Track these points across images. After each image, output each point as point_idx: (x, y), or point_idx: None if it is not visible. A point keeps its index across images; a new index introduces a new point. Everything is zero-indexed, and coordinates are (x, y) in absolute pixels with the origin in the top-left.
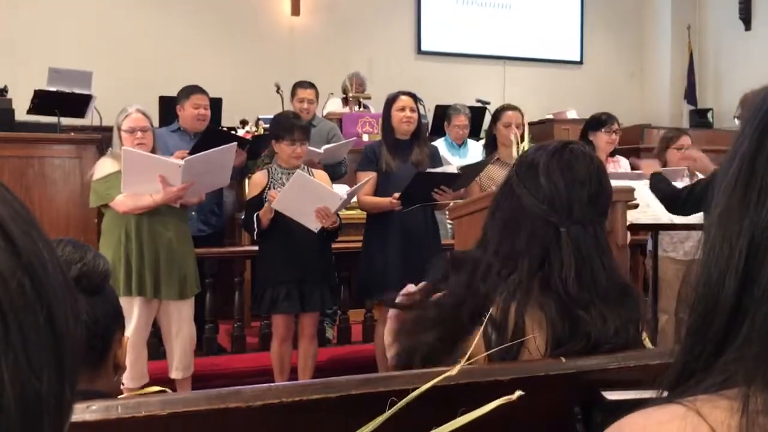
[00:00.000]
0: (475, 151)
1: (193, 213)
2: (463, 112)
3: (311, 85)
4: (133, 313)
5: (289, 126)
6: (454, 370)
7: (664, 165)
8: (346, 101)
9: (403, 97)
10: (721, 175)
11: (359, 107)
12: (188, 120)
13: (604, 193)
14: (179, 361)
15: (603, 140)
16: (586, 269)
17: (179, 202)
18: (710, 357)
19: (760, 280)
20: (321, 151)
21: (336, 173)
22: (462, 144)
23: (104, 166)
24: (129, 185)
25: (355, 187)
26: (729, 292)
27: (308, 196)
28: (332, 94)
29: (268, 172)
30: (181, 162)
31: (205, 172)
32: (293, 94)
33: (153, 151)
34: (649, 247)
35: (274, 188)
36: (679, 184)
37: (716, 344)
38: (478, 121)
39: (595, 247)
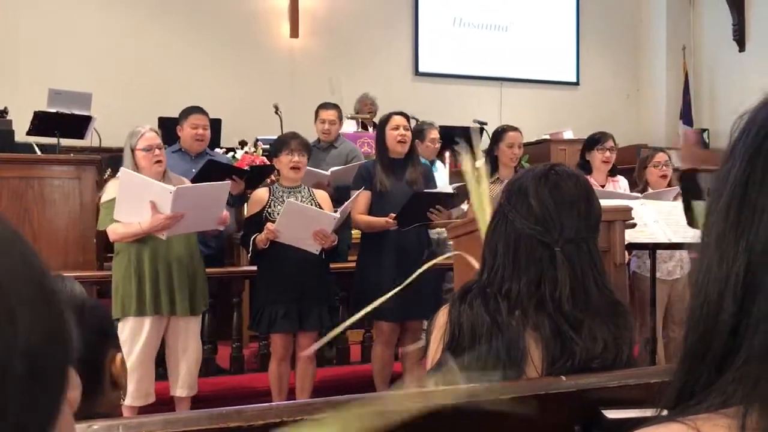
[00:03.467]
0: (442, 169)
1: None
2: (435, 127)
3: (334, 107)
4: (143, 331)
5: (285, 139)
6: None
7: (645, 185)
8: (360, 123)
9: (396, 117)
10: (713, 198)
11: (373, 128)
12: (187, 140)
13: (593, 210)
14: (184, 380)
15: (598, 159)
16: (579, 287)
17: (165, 234)
18: (709, 377)
19: (758, 301)
20: (328, 173)
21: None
22: (432, 162)
23: (110, 189)
24: (120, 211)
25: (346, 203)
26: (727, 314)
27: (303, 222)
28: (348, 116)
29: (270, 189)
30: (173, 188)
31: (197, 207)
32: (316, 115)
33: (165, 171)
34: (633, 267)
35: (274, 206)
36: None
37: (716, 365)
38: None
39: (589, 264)
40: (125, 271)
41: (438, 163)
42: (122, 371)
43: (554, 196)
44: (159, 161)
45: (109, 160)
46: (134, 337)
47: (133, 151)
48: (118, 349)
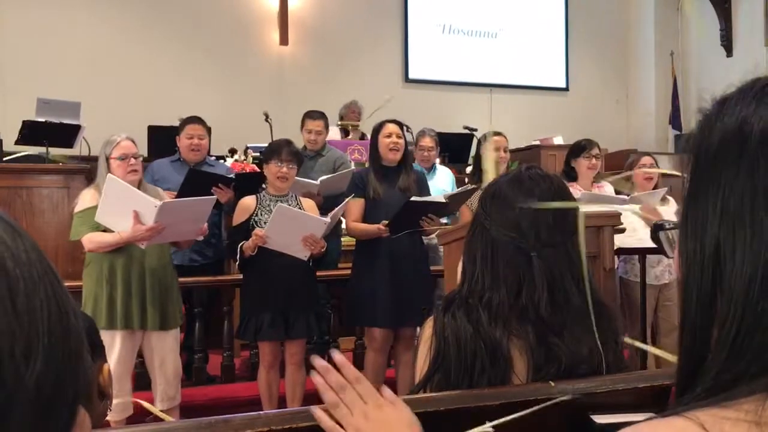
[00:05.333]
0: (443, 177)
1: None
2: (429, 134)
3: (321, 116)
4: (116, 345)
5: (277, 147)
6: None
7: (632, 188)
8: (345, 131)
9: (390, 125)
10: (712, 198)
11: (359, 137)
12: (184, 150)
13: (569, 211)
14: (163, 392)
15: (584, 166)
16: (559, 292)
17: (145, 244)
18: (715, 373)
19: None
20: (317, 182)
21: (339, 204)
22: (430, 169)
23: (85, 199)
24: (103, 214)
25: (336, 209)
26: (756, 308)
27: (293, 227)
28: (338, 124)
29: (257, 197)
30: (159, 202)
31: (180, 221)
32: (302, 124)
33: (141, 181)
34: (621, 272)
35: (261, 214)
36: (659, 208)
37: (722, 361)
38: (465, 147)
39: (569, 267)
40: (96, 283)
41: (440, 168)
42: (109, 382)
43: (528, 201)
44: (134, 170)
45: None
46: (107, 352)
47: (108, 159)
48: (105, 359)
